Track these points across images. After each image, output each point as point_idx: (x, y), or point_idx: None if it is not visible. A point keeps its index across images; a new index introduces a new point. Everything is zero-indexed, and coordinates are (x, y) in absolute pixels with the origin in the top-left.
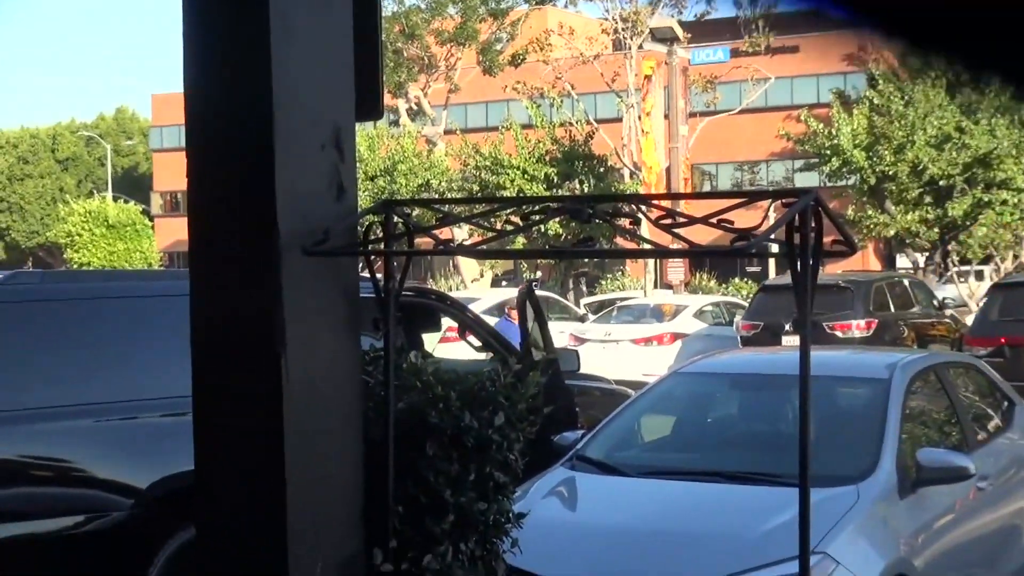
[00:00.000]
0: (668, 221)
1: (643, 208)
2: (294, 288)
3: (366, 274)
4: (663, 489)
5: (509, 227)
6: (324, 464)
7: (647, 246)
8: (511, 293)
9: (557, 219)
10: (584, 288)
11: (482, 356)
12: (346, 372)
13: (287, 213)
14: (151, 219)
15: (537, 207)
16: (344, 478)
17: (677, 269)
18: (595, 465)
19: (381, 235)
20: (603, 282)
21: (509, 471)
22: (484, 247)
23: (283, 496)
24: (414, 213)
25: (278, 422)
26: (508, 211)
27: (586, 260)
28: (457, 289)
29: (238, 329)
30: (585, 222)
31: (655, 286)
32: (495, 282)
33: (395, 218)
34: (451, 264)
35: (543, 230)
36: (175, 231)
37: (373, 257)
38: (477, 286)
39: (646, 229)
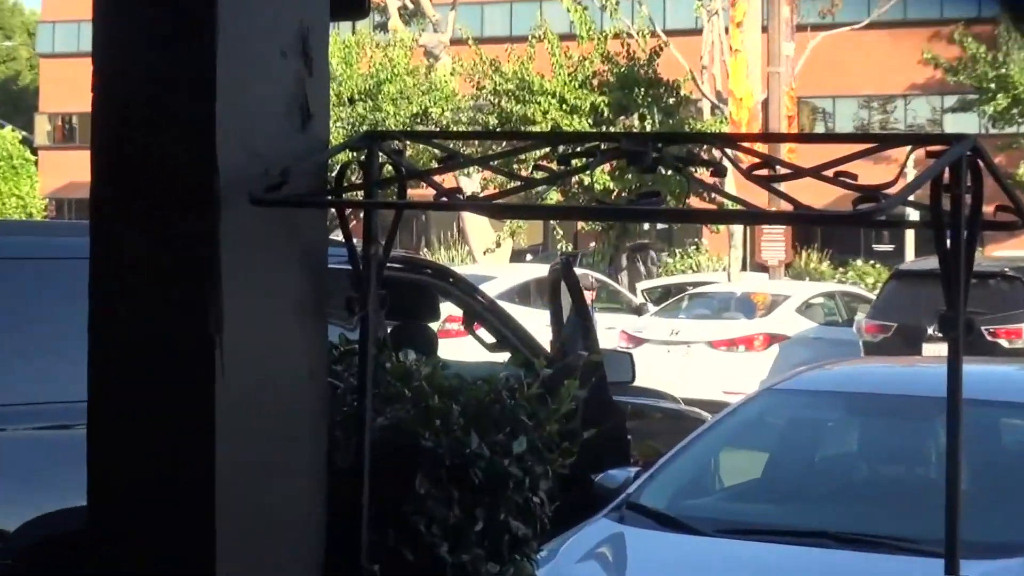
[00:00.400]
0: (765, 172)
1: (730, 153)
2: (237, 250)
3: (338, 236)
4: (749, 554)
5: (539, 175)
6: (271, 501)
7: (734, 206)
8: (539, 271)
9: (607, 166)
10: (642, 268)
11: (494, 357)
12: (306, 371)
13: (230, 146)
14: (34, 152)
15: (580, 147)
16: (299, 522)
17: (775, 244)
18: (653, 517)
19: (360, 181)
20: (670, 260)
21: (532, 520)
22: (503, 201)
23: (211, 548)
24: (407, 152)
25: (208, 440)
26: (538, 153)
27: (646, 226)
28: (463, 263)
29: (156, 307)
30: (648, 170)
31: (743, 267)
32: (516, 255)
33: (381, 156)
34: (455, 228)
35: (586, 182)
36: (68, 169)
37: (349, 211)
38: (491, 260)
39: (732, 184)
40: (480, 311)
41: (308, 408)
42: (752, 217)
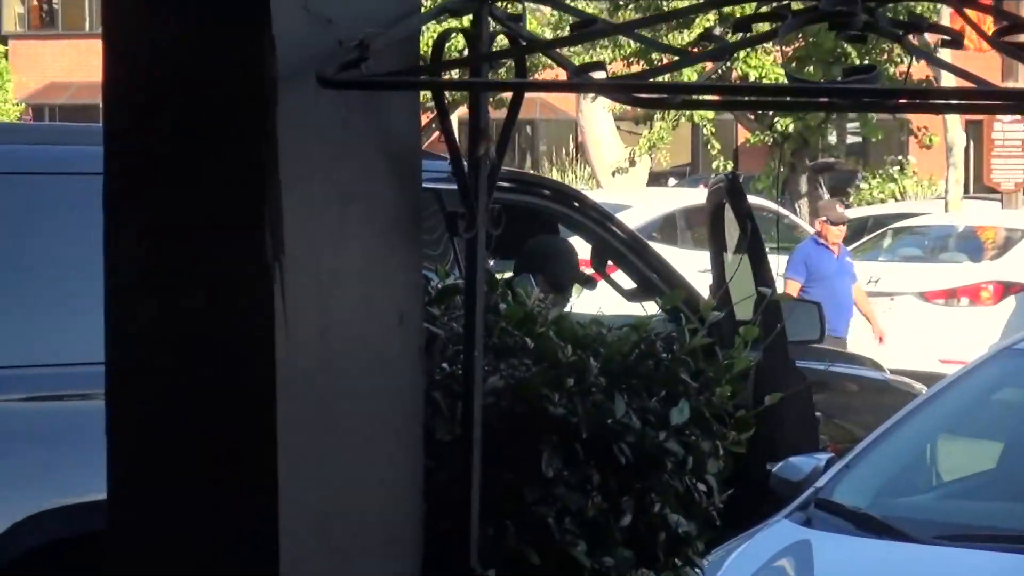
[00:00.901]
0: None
1: (968, 14)
2: (301, 150)
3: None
4: (979, 567)
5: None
6: (351, 485)
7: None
8: (688, 199)
9: (780, 54)
10: (825, 195)
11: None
12: (395, 313)
13: (289, 8)
14: (3, 42)
15: (761, 8)
16: (388, 512)
17: (1013, 161)
18: (851, 519)
19: (465, 55)
20: (865, 184)
21: (695, 513)
22: (659, 80)
23: (273, 543)
24: (531, 21)
25: (267, 404)
26: (693, 22)
27: (832, 138)
28: (584, 189)
29: (193, 229)
30: (856, 39)
31: (966, 192)
32: (654, 179)
33: (491, 24)
34: (572, 142)
35: (752, 77)
36: (47, 65)
37: (450, 97)
38: (621, 183)
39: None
40: (616, 247)
41: (398, 363)
42: (997, 100)
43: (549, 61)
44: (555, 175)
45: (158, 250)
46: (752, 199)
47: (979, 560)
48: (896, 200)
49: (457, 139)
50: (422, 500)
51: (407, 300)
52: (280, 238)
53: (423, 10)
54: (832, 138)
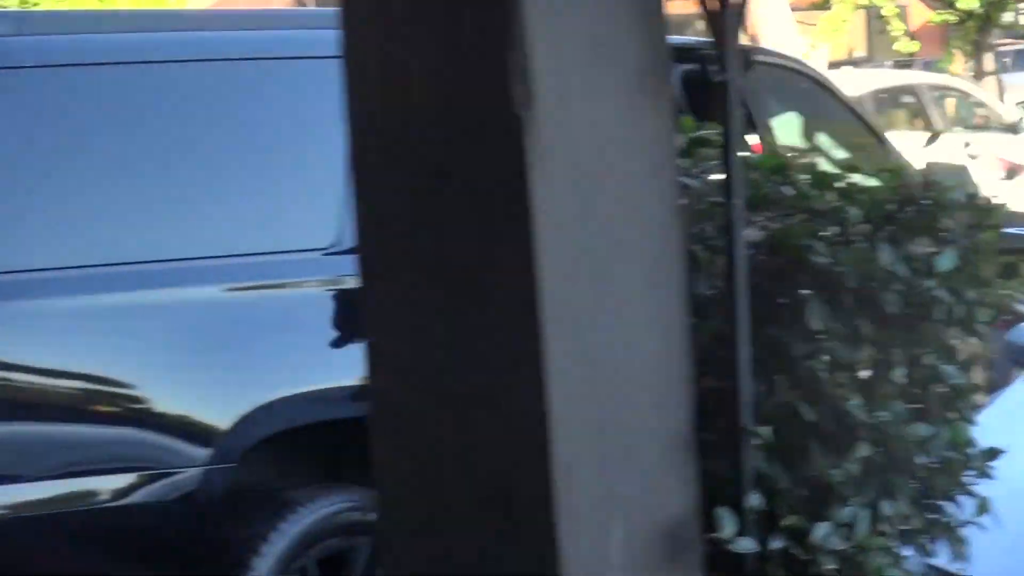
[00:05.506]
0: None
1: None
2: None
3: None
4: None
5: None
6: (616, 343)
7: None
8: (877, 81)
9: None
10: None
11: None
12: (647, 164)
13: None
14: None
15: None
16: (652, 369)
17: None
18: None
19: None
20: None
21: (966, 363)
22: None
23: (541, 414)
24: None
25: (523, 260)
26: None
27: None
28: None
29: (435, 86)
30: None
31: None
32: (834, 68)
33: None
34: (745, 35)
35: None
36: None
37: None
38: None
39: None
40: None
41: (655, 212)
42: None
43: None
44: None
45: (390, 133)
46: (937, 77)
47: None
48: None
49: None
50: (689, 355)
51: (661, 150)
52: (529, 87)
53: None
54: (1010, 17)
